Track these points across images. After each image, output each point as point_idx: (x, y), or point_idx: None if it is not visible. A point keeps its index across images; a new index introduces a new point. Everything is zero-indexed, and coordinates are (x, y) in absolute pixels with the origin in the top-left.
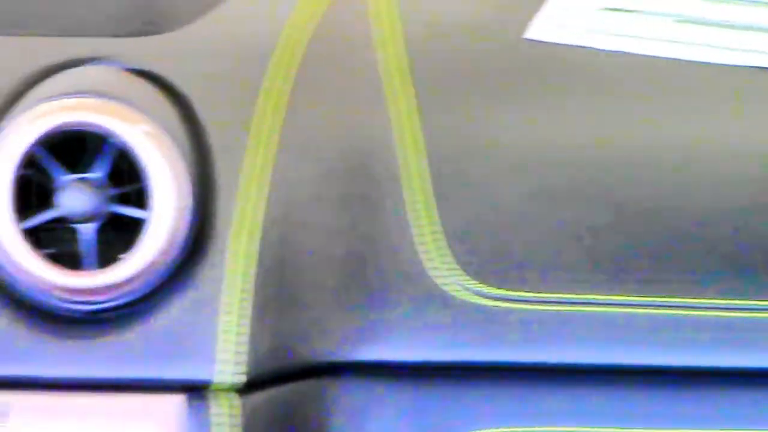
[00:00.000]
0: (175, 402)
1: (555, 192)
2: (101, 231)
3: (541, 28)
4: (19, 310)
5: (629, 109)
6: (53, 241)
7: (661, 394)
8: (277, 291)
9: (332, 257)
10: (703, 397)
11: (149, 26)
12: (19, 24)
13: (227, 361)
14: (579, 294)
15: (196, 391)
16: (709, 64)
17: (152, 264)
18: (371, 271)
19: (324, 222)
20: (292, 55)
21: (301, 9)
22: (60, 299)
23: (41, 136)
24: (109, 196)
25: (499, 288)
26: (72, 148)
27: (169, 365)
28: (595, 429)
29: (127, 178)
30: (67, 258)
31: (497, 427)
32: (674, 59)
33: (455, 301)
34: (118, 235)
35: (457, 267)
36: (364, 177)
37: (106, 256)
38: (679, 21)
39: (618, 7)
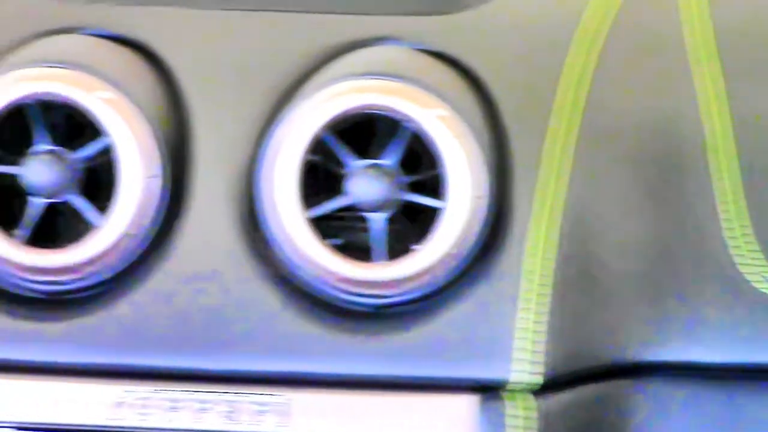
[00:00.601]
0: (469, 402)
1: None
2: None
3: None
4: (303, 303)
5: None
6: (335, 230)
7: None
8: (577, 285)
9: (636, 248)
10: None
11: (443, 4)
12: (309, 1)
13: (524, 360)
14: None
15: (490, 391)
16: None
17: (446, 256)
18: (677, 264)
19: (627, 210)
20: (595, 36)
21: None
22: (347, 292)
23: (331, 119)
24: (401, 184)
25: None
26: (359, 132)
27: (461, 363)
28: None
29: (416, 165)
30: (350, 249)
31: None
32: None
33: (765, 297)
34: (404, 225)
35: (767, 262)
36: (670, 161)
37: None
38: None
39: None
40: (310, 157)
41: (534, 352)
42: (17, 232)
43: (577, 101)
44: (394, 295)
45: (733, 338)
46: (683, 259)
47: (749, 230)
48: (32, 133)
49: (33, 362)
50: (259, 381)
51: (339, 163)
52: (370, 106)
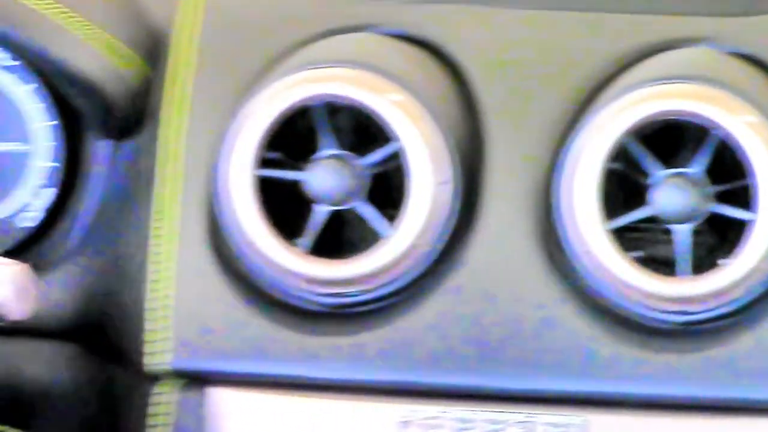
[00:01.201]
0: None
1: None
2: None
3: None
4: (603, 320)
5: None
6: (633, 242)
7: None
8: None
9: None
10: None
11: (757, 4)
12: (610, 1)
13: None
14: None
15: None
16: None
17: (756, 270)
18: None
19: None
20: None
21: None
22: (652, 309)
23: (635, 125)
24: (707, 194)
25: None
26: (661, 139)
27: None
28: None
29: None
30: (647, 262)
31: None
32: None
33: None
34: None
35: None
36: None
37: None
38: None
39: None
40: (612, 165)
41: None
42: (300, 241)
43: None
44: (702, 312)
45: None
46: None
47: None
48: (317, 138)
49: (317, 379)
50: (554, 401)
51: (642, 172)
52: (675, 112)
